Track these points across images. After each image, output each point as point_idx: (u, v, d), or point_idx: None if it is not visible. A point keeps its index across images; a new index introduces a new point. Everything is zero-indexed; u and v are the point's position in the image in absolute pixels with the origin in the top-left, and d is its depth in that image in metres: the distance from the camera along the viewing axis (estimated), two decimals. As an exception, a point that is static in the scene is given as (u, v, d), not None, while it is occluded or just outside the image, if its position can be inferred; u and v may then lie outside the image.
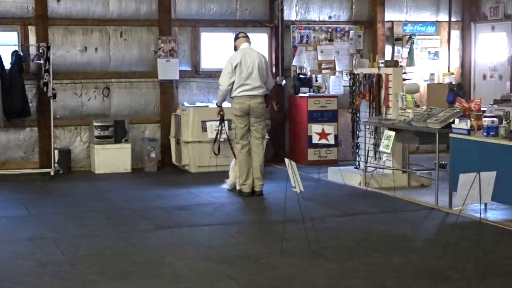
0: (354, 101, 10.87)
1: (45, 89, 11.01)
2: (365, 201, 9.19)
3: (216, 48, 12.52)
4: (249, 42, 9.65)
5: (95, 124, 11.44)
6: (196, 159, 11.44)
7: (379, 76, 10.42)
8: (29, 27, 11.41)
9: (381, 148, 9.79)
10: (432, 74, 13.75)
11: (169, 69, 12.02)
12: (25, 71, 11.23)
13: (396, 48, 13.54)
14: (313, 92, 12.52)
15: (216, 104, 10.01)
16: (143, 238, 7.34)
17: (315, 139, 10.32)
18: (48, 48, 10.96)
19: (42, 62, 10.99)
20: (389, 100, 10.29)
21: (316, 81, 12.76)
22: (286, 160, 6.86)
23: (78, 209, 8.81)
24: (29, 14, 11.42)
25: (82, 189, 10.20)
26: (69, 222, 8.06)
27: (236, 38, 9.78)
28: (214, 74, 12.41)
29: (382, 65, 10.74)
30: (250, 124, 9.44)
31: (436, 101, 10.79)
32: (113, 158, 11.48)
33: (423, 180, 10.26)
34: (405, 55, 13.47)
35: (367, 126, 10.46)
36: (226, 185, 9.97)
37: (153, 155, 11.76)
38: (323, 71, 13.06)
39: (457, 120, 8.54)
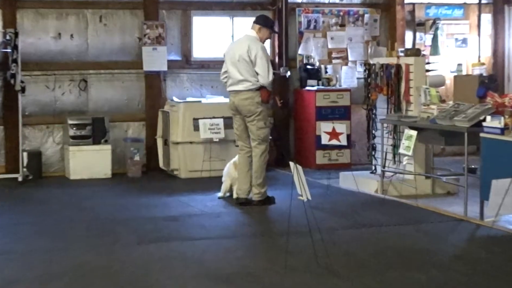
0: (369, 95, 10.92)
1: (12, 81, 11.06)
2: (382, 211, 9.21)
3: (210, 35, 12.56)
4: (253, 29, 9.58)
5: (70, 122, 11.48)
6: (187, 163, 11.49)
7: (398, 66, 10.46)
8: (-5, 10, 11.48)
9: (400, 150, 9.82)
10: (460, 65, 13.79)
11: (156, 59, 12.06)
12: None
13: (418, 34, 13.60)
14: (322, 85, 12.57)
15: None
16: (126, 253, 7.35)
17: (325, 140, 10.35)
18: (16, 34, 11.01)
19: (9, 50, 11.03)
20: (410, 94, 10.33)
21: (326, 72, 12.80)
22: (291, 164, 6.89)
23: (51, 220, 8.81)
24: (-6, -5, 11.49)
25: (55, 197, 10.22)
26: (42, 235, 8.08)
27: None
28: (208, 65, 12.49)
29: (402, 54, 10.79)
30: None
31: (464, 95, 10.78)
32: (91, 162, 11.52)
33: (449, 187, 10.31)
34: (429, 42, 13.53)
35: (385, 125, 10.49)
36: (219, 193, 10.02)
37: (137, 158, 11.80)
38: (334, 61, 13.12)
39: (488, 118, 8.57)
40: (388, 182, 10.23)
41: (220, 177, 10.53)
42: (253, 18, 12.60)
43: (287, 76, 12.71)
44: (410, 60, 10.41)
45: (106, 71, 12.08)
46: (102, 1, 11.98)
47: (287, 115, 12.83)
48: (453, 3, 13.81)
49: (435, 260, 7.06)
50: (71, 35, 11.88)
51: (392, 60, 10.60)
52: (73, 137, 11.49)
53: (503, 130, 8.27)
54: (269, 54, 12.68)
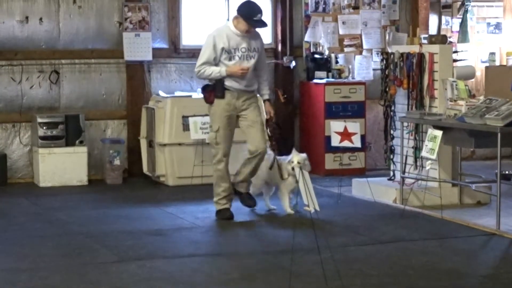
0: (387, 89, 10.91)
1: (-29, 73, 11.09)
2: (402, 224, 9.23)
3: (202, 18, 12.56)
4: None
5: (39, 120, 11.49)
6: (175, 168, 11.49)
7: (421, 56, 10.46)
8: (-49, -10, 11.49)
9: (423, 153, 9.82)
10: (493, 54, 13.82)
11: (138, 47, 12.07)
12: None
13: (444, 18, 13.61)
14: (333, 77, 12.57)
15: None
16: (104, 272, 7.34)
17: (335, 141, 10.36)
18: (-23, 18, 11.02)
19: (-32, 37, 11.06)
20: (435, 88, 10.33)
21: (337, 62, 12.80)
22: (296, 169, 6.89)
23: (17, 235, 8.80)
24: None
25: (21, 208, 10.22)
26: (4, 253, 8.06)
27: None
28: (199, 53, 12.45)
29: (425, 41, 10.79)
30: None
31: (497, 89, 10.80)
32: (63, 167, 11.53)
33: (479, 196, 10.32)
34: (456, 28, 13.54)
35: (405, 124, 10.49)
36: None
37: (117, 162, 11.81)
38: (346, 50, 13.13)
39: (526, 116, 8.59)
40: (409, 190, 10.23)
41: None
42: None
43: (292, 67, 12.72)
44: (435, 48, 10.41)
45: (81, 60, 12.09)
46: (76, -21, 12.00)
47: (291, 112, 12.85)
48: (485, -18, 13.85)
49: (464, 283, 7.07)
50: (40, 19, 11.87)
51: (414, 49, 10.60)
52: (43, 138, 11.49)
53: (543, 130, 8.29)
54: (268, 41, 12.80)
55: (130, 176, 12.03)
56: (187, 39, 12.55)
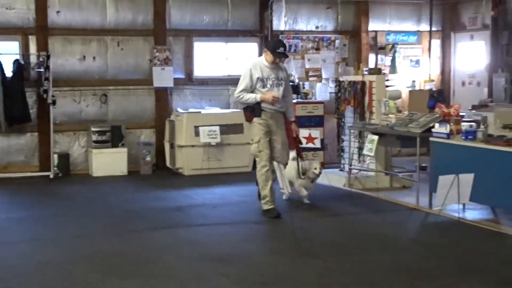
0: (339, 107, 10.95)
1: (45, 96, 11.06)
2: (350, 202, 9.25)
3: (209, 57, 12.57)
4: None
5: (93, 129, 11.46)
6: (189, 162, 11.48)
7: (363, 83, 10.49)
8: (30, 36, 11.40)
9: (365, 152, 9.85)
10: (414, 81, 13.84)
11: (164, 77, 12.04)
12: (26, 79, 11.23)
13: (379, 56, 13.63)
14: (301, 98, 12.57)
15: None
16: (141, 238, 7.36)
17: (303, 143, 10.37)
18: (48, 57, 11.00)
19: (42, 70, 11.03)
20: (373, 106, 10.36)
21: (304, 88, 12.80)
22: (275, 163, 6.92)
23: (77, 211, 8.81)
24: (30, 24, 11.42)
25: (80, 192, 10.19)
26: (69, 224, 8.07)
27: None
28: (207, 82, 12.51)
29: (366, 72, 10.82)
30: None
31: (417, 106, 10.85)
32: (110, 162, 11.48)
33: (404, 181, 10.32)
34: (388, 63, 13.56)
35: (352, 131, 10.52)
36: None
37: (148, 158, 11.80)
38: (310, 79, 13.13)
39: (437, 125, 8.61)
40: (354, 178, 10.26)
41: (217, 174, 10.48)
42: (245, 44, 12.82)
43: (272, 91, 12.69)
44: (373, 77, 10.43)
45: (123, 87, 12.05)
46: (120, 29, 11.95)
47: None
48: (408, 31, 13.85)
49: (396, 244, 7.10)
50: (94, 57, 11.84)
51: (358, 78, 10.63)
52: (95, 142, 11.45)
53: (448, 135, 8.33)
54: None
55: (157, 169, 11.99)
56: (198, 72, 12.52)
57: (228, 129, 11.65)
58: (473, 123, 8.18)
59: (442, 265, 6.22)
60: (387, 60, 13.58)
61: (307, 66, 13.11)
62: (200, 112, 11.87)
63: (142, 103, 12.17)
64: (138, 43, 12.08)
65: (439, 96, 11.33)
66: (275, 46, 8.39)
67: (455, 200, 6.15)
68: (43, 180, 11.08)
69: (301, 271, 6.12)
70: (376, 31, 13.59)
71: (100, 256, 6.63)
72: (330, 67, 13.23)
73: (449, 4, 13.94)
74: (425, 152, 9.30)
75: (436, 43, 14.01)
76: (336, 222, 8.07)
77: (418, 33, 13.92)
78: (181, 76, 12.37)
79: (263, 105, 8.33)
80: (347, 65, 13.20)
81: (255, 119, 8.37)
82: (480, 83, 13.42)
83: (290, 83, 12.47)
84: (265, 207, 8.24)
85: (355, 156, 10.53)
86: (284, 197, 8.97)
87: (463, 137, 8.07)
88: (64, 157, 11.54)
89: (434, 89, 12.82)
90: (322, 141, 10.93)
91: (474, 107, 11.07)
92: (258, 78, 8.32)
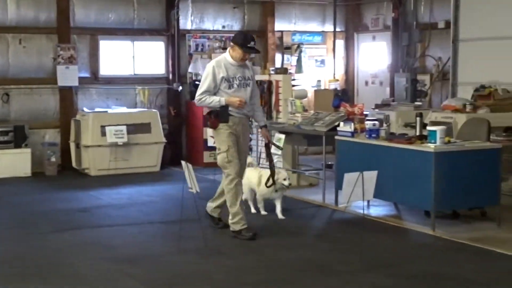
0: (247, 106, 10.94)
1: None
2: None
3: (115, 56, 12.36)
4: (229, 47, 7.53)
5: (-6, 129, 11.08)
6: (96, 163, 11.25)
7: (270, 82, 10.54)
8: None
9: (272, 150, 9.87)
10: (319, 81, 14.02)
11: (68, 76, 11.75)
12: None
13: (285, 56, 13.73)
14: (208, 97, 12.50)
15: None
16: (44, 240, 7.15)
17: (211, 142, 10.29)
18: None
19: None
20: (280, 105, 10.42)
21: (211, 87, 12.75)
22: (183, 162, 6.84)
23: (-22, 214, 8.48)
24: None
25: (-18, 194, 9.83)
26: (-31, 227, 7.76)
27: None
28: (113, 81, 12.29)
29: (273, 72, 10.86)
30: None
31: (322, 106, 10.97)
32: (13, 163, 11.11)
33: (311, 179, 10.40)
34: (294, 62, 13.68)
35: (259, 129, 10.53)
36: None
37: (53, 159, 11.49)
38: (218, 78, 13.07)
39: (342, 124, 8.73)
40: (263, 176, 10.26)
41: (125, 174, 10.32)
42: (152, 43, 12.66)
43: (179, 90, 12.62)
44: (279, 77, 10.50)
45: (25, 86, 11.68)
46: (21, 27, 11.58)
47: (180, 122, 12.73)
48: (313, 31, 14.01)
49: (303, 241, 7.15)
50: (-6, 55, 11.46)
51: (265, 77, 10.67)
52: (-3, 142, 11.09)
53: (353, 134, 8.45)
54: (162, 72, 12.68)
55: (63, 170, 11.70)
56: (104, 70, 12.29)
57: (135, 128, 11.48)
58: (376, 122, 8.33)
59: (348, 261, 6.30)
60: (293, 60, 13.70)
61: (214, 66, 13.05)
62: (106, 111, 11.66)
63: (46, 102, 11.85)
64: (41, 41, 11.75)
65: (344, 95, 11.49)
66: (245, 40, 7.26)
67: (360, 197, 6.23)
68: None
69: (210, 270, 6.07)
70: (282, 31, 13.69)
71: (1, 260, 6.38)
72: (237, 66, 13.21)
73: (352, 5, 14.20)
74: (331, 150, 9.41)
75: (340, 43, 14.24)
76: (246, 219, 8.03)
77: (322, 33, 14.11)
78: (87, 75, 12.11)
79: (230, 108, 7.23)
80: (254, 64, 13.22)
81: (222, 125, 7.25)
82: (383, 82, 13.73)
83: (197, 82, 12.60)
84: (237, 227, 7.18)
85: (263, 155, 10.53)
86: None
87: (366, 136, 8.20)
88: (-36, 159, 11.11)
89: (338, 88, 13.00)
90: (229, 140, 10.87)
91: (377, 106, 11.31)
92: (223, 77, 7.21)
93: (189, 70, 12.80)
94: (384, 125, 8.37)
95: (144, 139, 11.53)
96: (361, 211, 7.46)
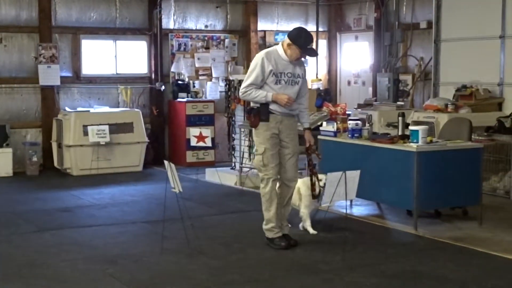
0: (229, 105, 10.94)
1: None
2: (241, 200, 9.24)
3: (97, 55, 12.29)
4: (283, 42, 6.92)
5: (-25, 129, 10.98)
6: (78, 162, 11.18)
7: (253, 82, 10.50)
8: None
9: (254, 150, 9.85)
10: (302, 80, 13.99)
11: (50, 75, 11.67)
12: None
13: (268, 56, 13.69)
14: (191, 97, 12.50)
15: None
16: (25, 240, 7.09)
17: (193, 142, 10.30)
18: None
19: None
20: (263, 104, 10.38)
21: (194, 86, 12.75)
22: (166, 162, 6.81)
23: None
24: None
25: (-38, 194, 9.74)
26: (-51, 227, 7.68)
27: None
28: (95, 80, 12.23)
29: (256, 71, 10.83)
30: None
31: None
32: (-7, 163, 11.04)
33: (294, 179, 10.39)
34: (277, 62, 13.64)
35: (242, 129, 10.54)
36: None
37: (35, 159, 11.40)
38: (200, 77, 13.08)
39: (324, 123, 8.73)
40: (245, 176, 10.27)
41: (107, 174, 10.23)
42: (134, 42, 12.62)
43: (162, 90, 12.57)
44: (262, 76, 10.46)
45: (6, 85, 11.59)
46: (3, 26, 11.48)
47: (162, 122, 12.69)
48: (296, 31, 14.00)
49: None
50: (-25, 54, 11.35)
51: (248, 77, 10.62)
52: (-22, 142, 10.98)
53: (335, 133, 8.45)
54: (145, 71, 12.63)
55: (44, 169, 11.62)
56: (86, 70, 12.22)
57: (117, 128, 11.43)
58: (358, 122, 8.34)
59: (330, 260, 6.30)
60: (276, 59, 13.66)
61: (197, 65, 13.05)
62: (88, 111, 11.59)
63: (27, 102, 11.76)
64: (23, 40, 11.66)
65: (326, 95, 11.51)
66: (306, 42, 6.73)
67: (343, 196, 6.23)
68: None
69: (192, 270, 6.05)
70: (265, 31, 13.69)
71: (-18, 261, 6.33)
72: (220, 66, 13.21)
73: (334, 5, 14.22)
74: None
75: (323, 43, 14.26)
76: (228, 220, 8.05)
77: (305, 33, 14.09)
78: (69, 74, 12.04)
79: (271, 106, 6.69)
80: (236, 64, 13.22)
81: (261, 125, 6.72)
82: (365, 82, 13.76)
83: (180, 82, 12.60)
84: (270, 234, 6.79)
85: (246, 155, 10.54)
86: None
87: (349, 135, 8.20)
88: None
89: (321, 88, 13.03)
90: (213, 140, 10.89)
91: (359, 106, 11.35)
92: (271, 71, 6.64)
93: (172, 69, 12.77)
94: (367, 124, 8.38)
95: (126, 138, 11.48)
96: (344, 211, 7.46)
